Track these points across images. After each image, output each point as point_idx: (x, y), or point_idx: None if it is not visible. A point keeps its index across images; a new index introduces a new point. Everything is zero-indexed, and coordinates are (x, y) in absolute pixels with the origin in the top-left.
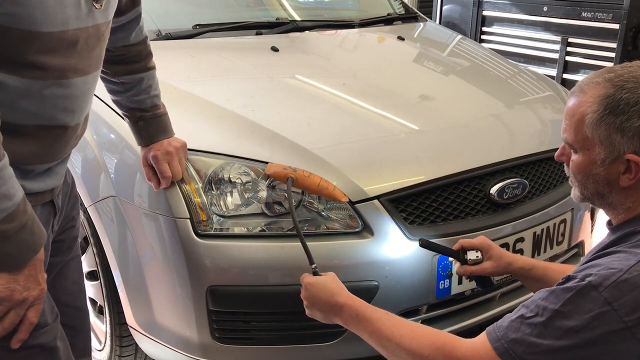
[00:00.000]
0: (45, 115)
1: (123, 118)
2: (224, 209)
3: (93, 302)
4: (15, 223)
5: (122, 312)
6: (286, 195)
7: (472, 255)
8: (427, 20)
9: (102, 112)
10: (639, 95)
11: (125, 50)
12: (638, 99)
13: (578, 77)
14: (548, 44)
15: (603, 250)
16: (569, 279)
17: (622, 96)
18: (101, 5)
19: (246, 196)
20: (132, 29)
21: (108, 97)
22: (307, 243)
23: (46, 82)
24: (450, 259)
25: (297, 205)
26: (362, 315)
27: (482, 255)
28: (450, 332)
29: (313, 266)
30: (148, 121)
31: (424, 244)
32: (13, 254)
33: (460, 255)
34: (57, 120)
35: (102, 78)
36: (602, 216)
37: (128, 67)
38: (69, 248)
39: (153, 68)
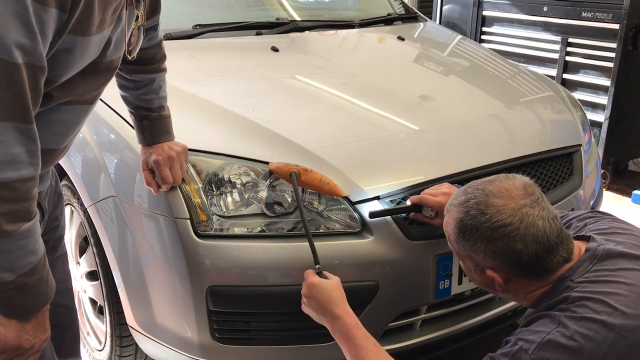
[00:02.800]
0: (39, 138)
1: (124, 119)
2: (224, 209)
3: (93, 302)
4: (36, 276)
5: (122, 312)
6: (286, 195)
7: (426, 212)
8: (427, 20)
9: (102, 112)
10: (479, 222)
11: (140, 52)
12: (479, 225)
13: (578, 77)
14: (548, 44)
15: (532, 315)
16: (506, 342)
17: (467, 223)
18: (134, 57)
19: (246, 196)
20: (149, 35)
21: (108, 97)
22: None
23: (48, 107)
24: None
25: (297, 205)
26: (352, 337)
27: (436, 214)
28: (450, 332)
29: (317, 267)
30: (153, 121)
31: (374, 214)
32: (28, 305)
33: (416, 208)
34: (49, 143)
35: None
36: None
37: (142, 67)
38: (54, 247)
39: (165, 70)
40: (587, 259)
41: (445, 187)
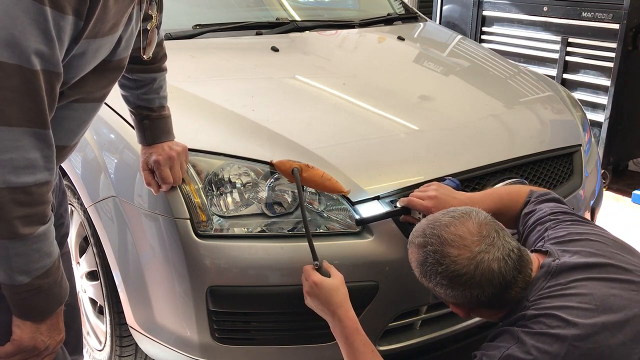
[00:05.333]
0: None
1: (124, 119)
2: (224, 210)
3: (93, 302)
4: (50, 279)
5: (122, 312)
6: (286, 196)
7: (414, 214)
8: (427, 20)
9: (102, 112)
10: (436, 271)
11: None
12: (436, 274)
13: (578, 77)
14: (548, 44)
15: (496, 330)
16: (473, 357)
17: (426, 269)
18: (149, 57)
19: (246, 196)
20: None
21: (108, 97)
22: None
23: (60, 105)
24: None
25: (298, 205)
26: (352, 341)
27: (424, 216)
28: (450, 332)
29: (315, 263)
30: (154, 121)
31: (362, 222)
32: (42, 306)
33: (405, 211)
34: (60, 140)
35: None
36: (601, 216)
37: (143, 66)
38: (59, 244)
39: (165, 70)
40: (542, 276)
41: (432, 189)
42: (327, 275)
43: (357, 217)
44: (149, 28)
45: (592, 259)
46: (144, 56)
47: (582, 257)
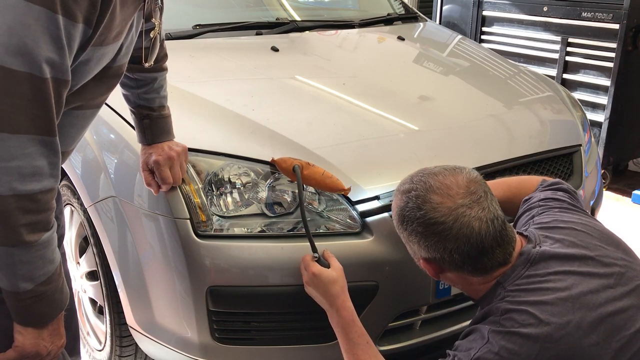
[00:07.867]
0: None
1: (124, 119)
2: (224, 210)
3: (93, 302)
4: (52, 285)
5: (122, 312)
6: (285, 196)
7: None
8: (427, 20)
9: (102, 112)
10: (414, 216)
11: (141, 52)
12: (414, 219)
13: (578, 77)
14: (548, 44)
15: (471, 326)
16: (447, 355)
17: (405, 214)
18: (150, 64)
19: (246, 196)
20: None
21: (109, 97)
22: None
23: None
24: None
25: (298, 204)
26: (347, 332)
27: None
28: (450, 332)
29: (314, 254)
30: (154, 121)
31: (367, 214)
32: (44, 313)
33: None
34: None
35: None
36: (602, 216)
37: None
38: None
39: (166, 69)
40: (521, 264)
41: None
42: (327, 265)
43: (361, 210)
44: (151, 36)
45: (574, 250)
46: (146, 64)
47: (564, 247)
